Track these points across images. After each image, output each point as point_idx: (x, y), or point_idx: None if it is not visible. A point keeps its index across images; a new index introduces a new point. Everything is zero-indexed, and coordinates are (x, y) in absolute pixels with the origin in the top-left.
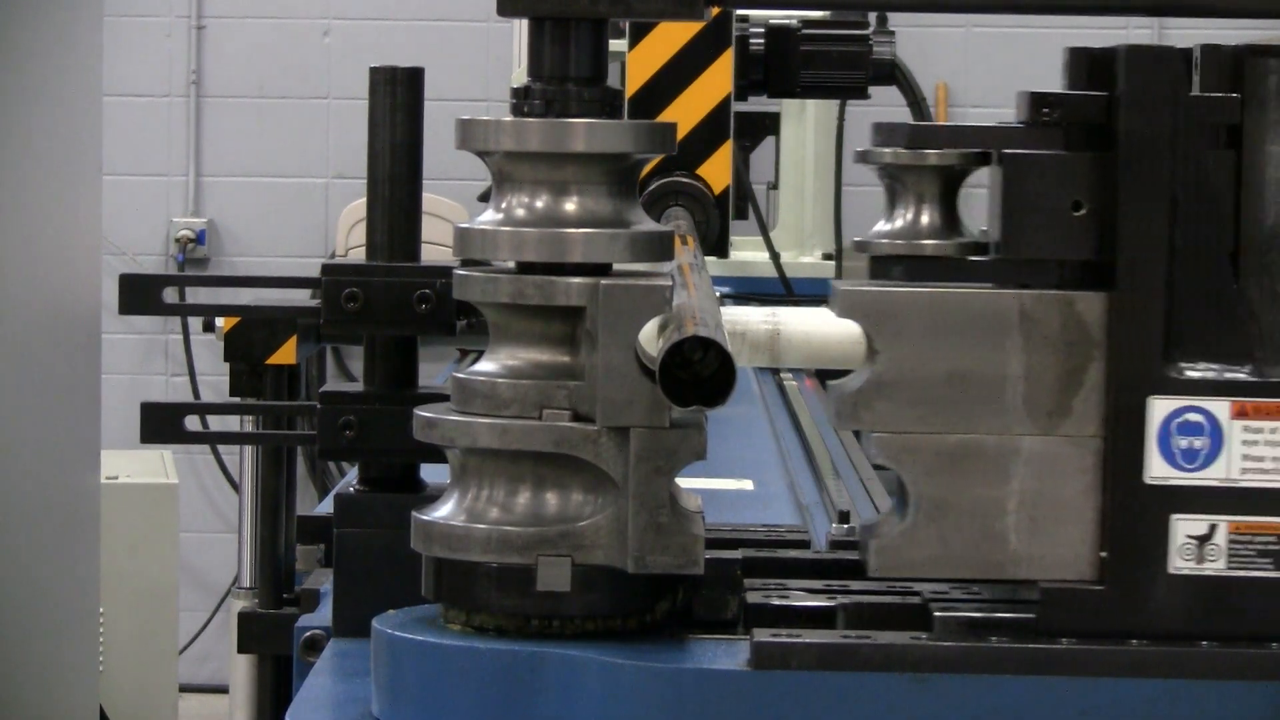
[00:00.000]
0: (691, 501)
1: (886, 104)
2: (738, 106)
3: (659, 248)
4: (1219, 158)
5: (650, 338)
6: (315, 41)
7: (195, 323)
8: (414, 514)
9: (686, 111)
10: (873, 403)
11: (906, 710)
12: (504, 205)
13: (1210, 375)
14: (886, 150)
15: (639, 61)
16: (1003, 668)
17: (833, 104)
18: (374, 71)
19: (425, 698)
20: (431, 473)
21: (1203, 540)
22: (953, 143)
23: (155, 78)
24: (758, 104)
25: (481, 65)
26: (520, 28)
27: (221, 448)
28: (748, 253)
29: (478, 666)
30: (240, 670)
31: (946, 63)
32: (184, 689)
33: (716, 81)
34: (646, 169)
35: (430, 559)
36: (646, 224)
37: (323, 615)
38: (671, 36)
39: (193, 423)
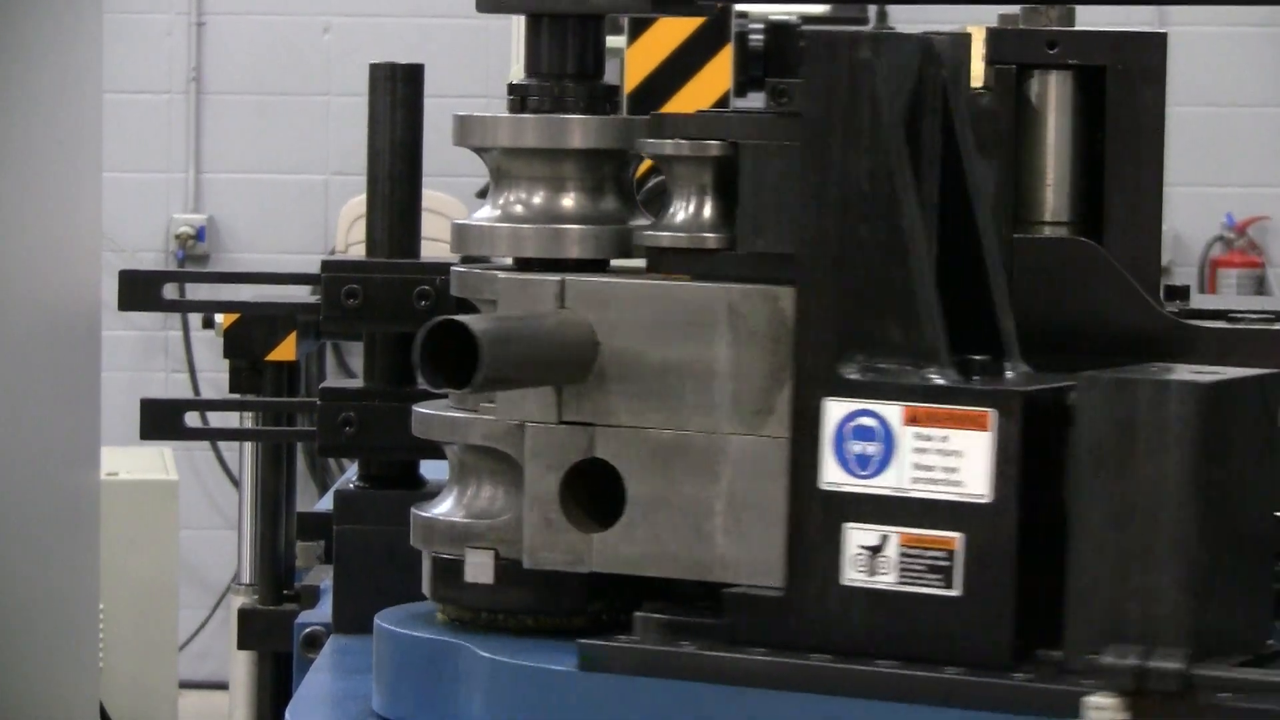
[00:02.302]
0: None
1: None
2: (737, 102)
3: None
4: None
5: None
6: (315, 38)
7: (195, 319)
8: (413, 510)
9: (685, 107)
10: (593, 394)
11: None
12: (501, 201)
13: (883, 377)
14: (667, 141)
15: (638, 57)
16: (796, 684)
17: None
18: (374, 68)
19: (425, 694)
20: (432, 469)
21: (875, 551)
22: (704, 132)
23: (155, 75)
24: (757, 100)
25: (481, 62)
26: (518, 24)
27: (221, 444)
28: None
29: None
30: (240, 667)
31: None
32: (184, 686)
33: (716, 77)
34: (645, 165)
35: (430, 555)
36: (644, 220)
37: (322, 612)
38: (671, 32)
39: (193, 419)
